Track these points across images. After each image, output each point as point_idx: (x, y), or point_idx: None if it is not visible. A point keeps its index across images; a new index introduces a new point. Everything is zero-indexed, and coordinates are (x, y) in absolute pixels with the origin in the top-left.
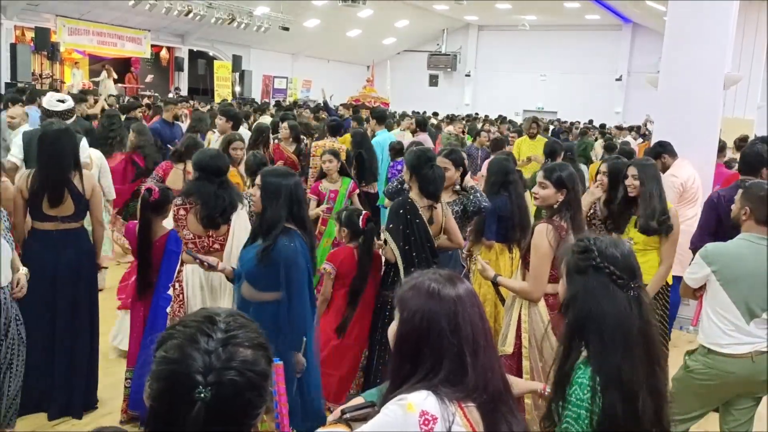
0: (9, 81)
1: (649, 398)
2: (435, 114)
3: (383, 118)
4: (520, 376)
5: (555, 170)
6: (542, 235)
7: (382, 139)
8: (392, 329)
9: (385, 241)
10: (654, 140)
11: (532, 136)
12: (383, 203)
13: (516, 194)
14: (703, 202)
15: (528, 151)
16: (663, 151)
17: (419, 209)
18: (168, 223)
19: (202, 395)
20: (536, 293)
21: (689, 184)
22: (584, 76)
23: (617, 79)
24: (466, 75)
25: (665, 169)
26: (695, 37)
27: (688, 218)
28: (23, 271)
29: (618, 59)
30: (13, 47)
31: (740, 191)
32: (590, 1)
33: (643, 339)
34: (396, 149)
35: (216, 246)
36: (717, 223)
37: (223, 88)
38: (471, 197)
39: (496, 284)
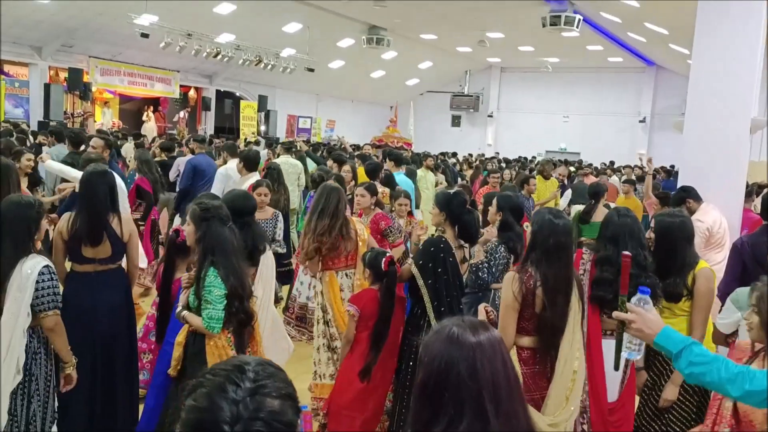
0: (41, 119)
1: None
2: (454, 154)
3: (400, 160)
4: None
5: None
6: (507, 284)
7: (399, 180)
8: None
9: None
10: (679, 184)
11: (547, 177)
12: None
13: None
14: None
15: (543, 189)
16: (687, 196)
17: (453, 249)
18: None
19: None
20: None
21: (715, 228)
22: (607, 117)
23: (641, 121)
24: (489, 115)
25: (691, 213)
26: (721, 81)
27: (716, 263)
28: (73, 362)
29: (641, 101)
30: (47, 87)
31: None
32: (613, 44)
33: (236, 250)
34: (315, 181)
35: None
36: (743, 269)
37: (249, 127)
38: (494, 256)
39: None
